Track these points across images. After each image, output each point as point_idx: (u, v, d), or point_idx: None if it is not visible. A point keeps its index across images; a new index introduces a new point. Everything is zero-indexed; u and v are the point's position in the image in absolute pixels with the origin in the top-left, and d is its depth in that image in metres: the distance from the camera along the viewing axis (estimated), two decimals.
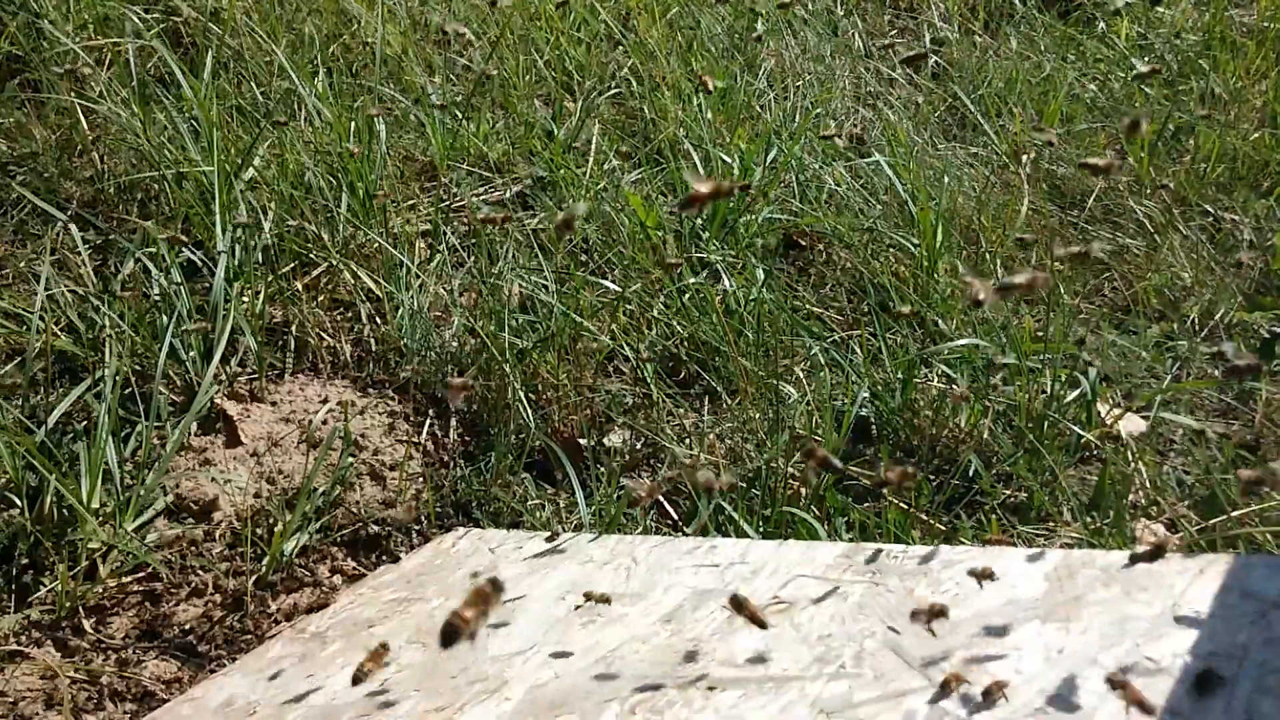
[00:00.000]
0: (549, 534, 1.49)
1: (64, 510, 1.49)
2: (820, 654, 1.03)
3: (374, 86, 2.44)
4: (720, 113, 2.66)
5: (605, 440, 1.83)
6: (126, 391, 1.68)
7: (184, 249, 1.92)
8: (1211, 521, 1.54)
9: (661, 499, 1.69)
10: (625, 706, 1.03)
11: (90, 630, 1.41)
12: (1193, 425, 1.81)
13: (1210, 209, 2.53)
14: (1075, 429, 1.76)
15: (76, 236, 1.91)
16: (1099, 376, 1.85)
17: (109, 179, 2.10)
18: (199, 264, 1.93)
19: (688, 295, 2.03)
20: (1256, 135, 2.78)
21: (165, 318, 1.77)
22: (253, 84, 2.38)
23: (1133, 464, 1.70)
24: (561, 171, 2.35)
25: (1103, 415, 1.80)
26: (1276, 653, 0.87)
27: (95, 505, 1.50)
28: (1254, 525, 1.52)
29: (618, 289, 2.05)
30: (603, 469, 1.75)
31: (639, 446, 1.83)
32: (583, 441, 1.79)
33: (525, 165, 2.42)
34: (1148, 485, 1.68)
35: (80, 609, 1.42)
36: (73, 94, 2.19)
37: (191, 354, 1.77)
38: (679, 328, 2.00)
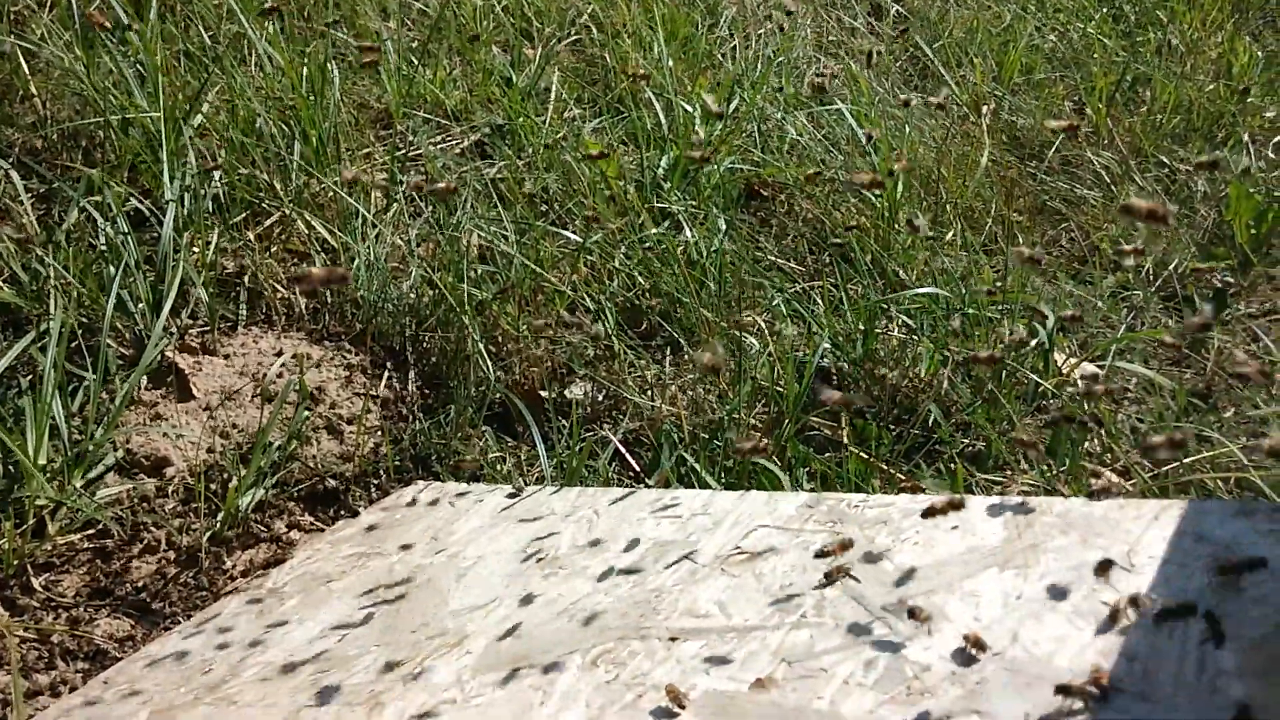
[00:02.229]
0: (511, 488, 1.48)
1: (9, 466, 1.45)
2: (782, 603, 1.04)
3: (326, 31, 2.38)
4: (681, 61, 2.62)
5: (566, 392, 1.81)
6: (73, 345, 1.63)
7: (131, 197, 1.87)
8: (1165, 468, 1.57)
9: (624, 451, 1.69)
10: (587, 658, 1.03)
11: (39, 588, 1.38)
12: (1147, 374, 1.83)
13: (1166, 160, 2.55)
14: (1033, 378, 1.77)
15: (18, 184, 1.84)
16: (1056, 326, 1.86)
17: (52, 125, 2.03)
18: (147, 213, 1.87)
19: (649, 246, 2.01)
20: (1211, 86, 2.80)
21: (112, 268, 1.72)
22: (200, 27, 2.30)
23: (1088, 412, 1.72)
24: (520, 120, 2.30)
25: (1059, 364, 1.82)
26: (1229, 597, 0.88)
27: (42, 461, 1.46)
28: (1205, 472, 1.55)
29: (579, 239, 2.02)
30: (564, 422, 1.74)
31: (600, 399, 1.82)
32: (544, 394, 1.78)
33: (483, 113, 2.37)
34: (1103, 433, 1.70)
35: (29, 567, 1.39)
36: (12, 36, 2.11)
37: (140, 306, 1.72)
38: (640, 279, 1.98)
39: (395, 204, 2.06)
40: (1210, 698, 0.77)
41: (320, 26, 2.39)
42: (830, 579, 1.05)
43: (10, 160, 1.92)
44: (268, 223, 1.97)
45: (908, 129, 2.43)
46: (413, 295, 1.89)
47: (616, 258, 2.01)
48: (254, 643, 1.22)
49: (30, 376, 1.59)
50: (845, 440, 1.68)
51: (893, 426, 1.73)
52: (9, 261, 1.73)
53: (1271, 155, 2.54)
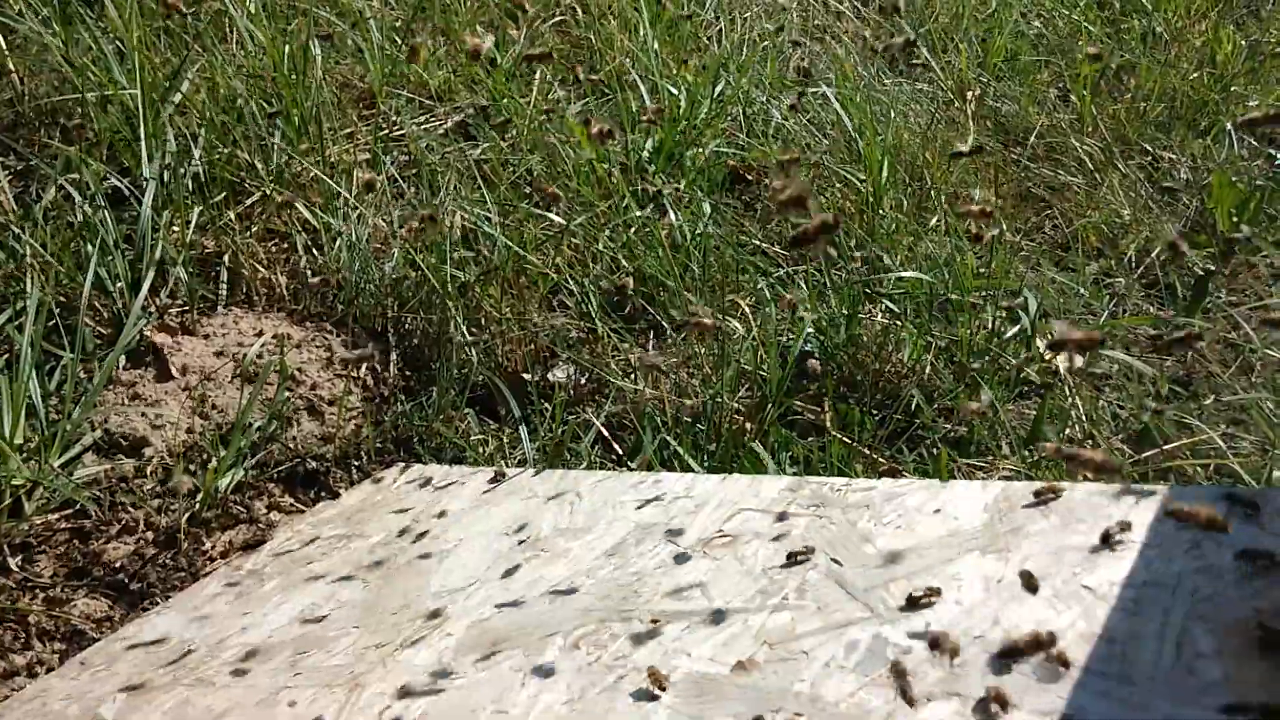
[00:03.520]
0: (495, 471, 1.48)
1: None
2: (764, 586, 1.04)
3: (309, 9, 2.35)
4: (667, 44, 2.61)
5: (549, 375, 1.81)
6: (50, 324, 1.61)
7: (109, 175, 1.84)
8: (1145, 455, 1.57)
9: (606, 434, 1.68)
10: (568, 640, 1.02)
11: (16, 568, 1.36)
12: (1128, 361, 1.84)
13: (1149, 147, 2.55)
14: (1015, 364, 1.77)
15: None
16: (1038, 312, 1.87)
17: (29, 102, 2.00)
18: (125, 191, 1.85)
19: (634, 229, 2.01)
20: (1195, 74, 2.80)
21: (90, 247, 1.70)
22: (180, 4, 2.27)
23: (1069, 399, 1.73)
24: (504, 101, 2.29)
25: (1042, 351, 1.82)
26: (1208, 580, 0.89)
27: (19, 441, 1.44)
28: (1185, 458, 1.56)
29: (562, 221, 2.01)
30: (546, 404, 1.73)
31: (584, 382, 1.81)
32: (526, 376, 1.77)
33: (467, 94, 2.35)
34: (1084, 419, 1.70)
35: (5, 547, 1.38)
36: None
37: (119, 284, 1.70)
38: (625, 262, 1.97)
39: (378, 184, 2.04)
40: (1188, 680, 0.78)
41: (302, 4, 2.36)
42: (794, 560, 1.06)
43: None
44: (249, 202, 1.95)
45: (893, 114, 2.43)
46: (394, 276, 1.87)
47: (601, 240, 2.00)
48: (233, 624, 1.21)
49: (7, 355, 1.57)
50: (828, 425, 1.68)
51: (875, 411, 1.74)
52: None
53: (1254, 144, 2.55)
